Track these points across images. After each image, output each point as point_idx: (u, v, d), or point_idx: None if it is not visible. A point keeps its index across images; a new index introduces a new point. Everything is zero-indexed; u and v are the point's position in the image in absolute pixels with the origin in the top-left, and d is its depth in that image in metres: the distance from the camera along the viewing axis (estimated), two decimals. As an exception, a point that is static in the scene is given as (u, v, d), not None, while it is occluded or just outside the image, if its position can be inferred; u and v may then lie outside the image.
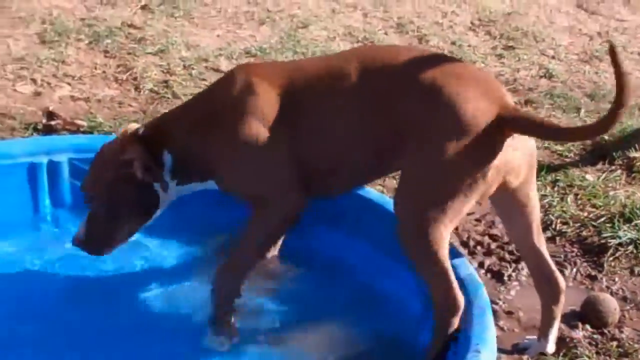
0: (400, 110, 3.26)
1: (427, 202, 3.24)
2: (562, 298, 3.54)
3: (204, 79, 5.44)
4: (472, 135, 3.19)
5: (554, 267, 3.56)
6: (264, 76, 3.45)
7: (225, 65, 5.57)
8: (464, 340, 3.15)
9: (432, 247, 3.25)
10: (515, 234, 3.57)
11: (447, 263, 3.28)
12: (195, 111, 3.54)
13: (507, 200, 3.44)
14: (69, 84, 5.26)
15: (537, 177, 4.57)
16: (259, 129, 3.39)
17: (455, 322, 3.27)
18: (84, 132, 4.75)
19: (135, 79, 5.38)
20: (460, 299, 3.27)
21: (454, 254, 3.52)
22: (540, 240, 3.53)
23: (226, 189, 3.55)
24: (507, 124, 3.23)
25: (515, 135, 3.25)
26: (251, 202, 3.50)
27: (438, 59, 3.48)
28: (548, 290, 3.53)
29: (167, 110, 3.89)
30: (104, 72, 5.44)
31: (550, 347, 3.56)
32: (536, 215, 3.51)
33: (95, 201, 3.56)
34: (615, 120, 3.10)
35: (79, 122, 4.81)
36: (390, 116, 3.28)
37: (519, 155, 3.30)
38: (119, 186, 3.51)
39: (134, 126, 3.66)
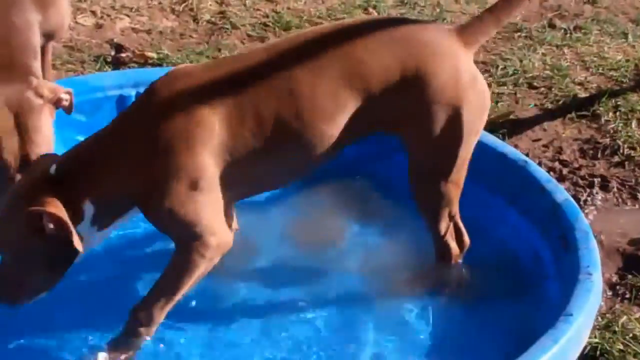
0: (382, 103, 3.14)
1: (448, 174, 3.28)
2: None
3: (258, 9, 5.48)
4: (462, 94, 3.18)
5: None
6: (199, 96, 3.04)
7: (277, -6, 5.61)
8: (572, 264, 3.26)
9: (454, 209, 3.36)
10: None
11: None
12: (124, 147, 3.02)
13: None
14: (127, 15, 5.30)
15: (599, 102, 4.73)
16: (204, 161, 3.01)
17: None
18: (152, 64, 4.82)
19: (191, 10, 5.41)
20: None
21: (548, 181, 3.64)
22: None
23: (155, 224, 3.17)
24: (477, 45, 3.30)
25: None
26: (177, 241, 3.14)
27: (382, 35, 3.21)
28: None
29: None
30: (160, 3, 5.47)
31: None
32: None
33: (3, 251, 3.03)
34: None
35: (147, 54, 4.86)
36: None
37: None
38: (27, 240, 2.95)
39: (49, 159, 3.08)
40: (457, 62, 3.19)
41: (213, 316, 3.39)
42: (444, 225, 3.37)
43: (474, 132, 3.25)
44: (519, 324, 3.37)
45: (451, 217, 3.38)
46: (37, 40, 3.46)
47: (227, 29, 5.25)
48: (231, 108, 3.02)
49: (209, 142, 3.00)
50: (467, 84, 3.19)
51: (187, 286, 3.09)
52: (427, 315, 3.45)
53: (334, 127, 3.10)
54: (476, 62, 4.94)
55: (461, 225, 3.45)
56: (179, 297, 3.10)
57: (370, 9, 5.52)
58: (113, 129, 3.10)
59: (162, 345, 3.21)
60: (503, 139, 4.17)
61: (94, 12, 5.27)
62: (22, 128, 3.27)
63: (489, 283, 3.56)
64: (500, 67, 5.05)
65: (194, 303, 3.35)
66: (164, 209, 3.04)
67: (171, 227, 3.12)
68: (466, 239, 3.48)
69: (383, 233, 3.72)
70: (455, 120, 3.17)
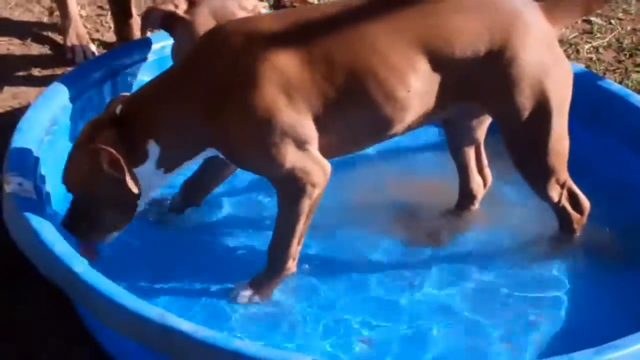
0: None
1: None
2: None
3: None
4: (548, 70, 3.13)
5: None
6: (268, 37, 2.98)
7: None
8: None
9: (562, 177, 3.30)
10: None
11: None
12: (188, 87, 2.99)
13: None
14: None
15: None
16: (277, 101, 2.94)
17: None
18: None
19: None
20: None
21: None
22: None
23: (241, 168, 3.22)
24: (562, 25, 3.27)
25: None
26: (271, 182, 3.13)
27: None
28: None
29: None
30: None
31: None
32: None
33: (72, 192, 3.07)
34: None
35: (310, -1, 4.96)
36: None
37: None
38: (90, 178, 2.98)
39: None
40: (544, 38, 3.13)
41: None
42: (555, 194, 3.33)
43: (562, 106, 3.19)
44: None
45: (562, 185, 3.33)
46: None
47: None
48: (300, 51, 2.95)
49: (278, 81, 2.92)
50: (552, 60, 3.14)
51: (302, 222, 3.10)
52: (566, 274, 3.44)
53: (405, 87, 3.02)
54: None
55: (576, 190, 3.40)
56: (299, 232, 3.12)
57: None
58: (179, 69, 3.07)
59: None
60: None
61: (259, -45, 5.34)
62: None
63: (635, 248, 3.52)
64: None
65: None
66: (242, 153, 3.04)
67: (257, 171, 3.14)
68: (585, 203, 3.42)
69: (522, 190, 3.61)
70: (542, 96, 3.12)
